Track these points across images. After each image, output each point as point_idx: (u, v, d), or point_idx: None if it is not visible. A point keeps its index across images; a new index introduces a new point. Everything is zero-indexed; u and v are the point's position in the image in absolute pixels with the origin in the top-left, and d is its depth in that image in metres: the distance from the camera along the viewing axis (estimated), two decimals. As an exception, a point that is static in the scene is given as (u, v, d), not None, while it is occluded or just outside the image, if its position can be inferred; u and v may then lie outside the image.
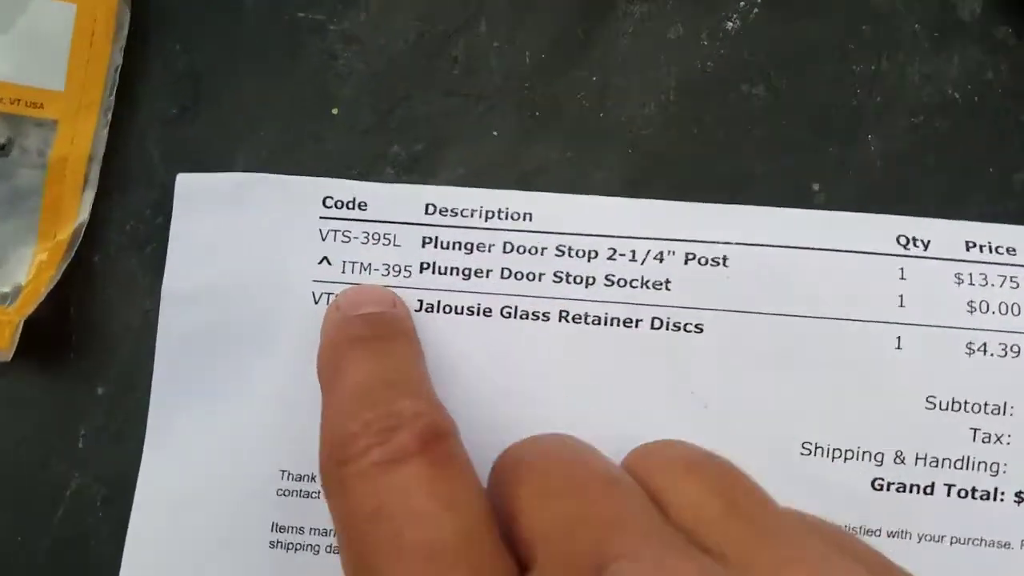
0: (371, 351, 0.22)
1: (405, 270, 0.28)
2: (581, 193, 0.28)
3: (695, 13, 0.29)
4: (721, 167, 0.28)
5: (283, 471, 0.27)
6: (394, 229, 0.28)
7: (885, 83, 0.28)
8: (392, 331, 0.23)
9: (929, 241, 0.27)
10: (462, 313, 0.27)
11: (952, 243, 0.27)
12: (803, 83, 0.29)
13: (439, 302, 0.28)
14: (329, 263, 0.28)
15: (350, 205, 0.28)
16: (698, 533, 0.16)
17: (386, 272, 0.28)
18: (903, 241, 0.27)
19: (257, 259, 0.28)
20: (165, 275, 0.28)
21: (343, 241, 0.28)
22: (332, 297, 0.27)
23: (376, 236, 0.28)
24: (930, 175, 0.28)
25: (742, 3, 0.29)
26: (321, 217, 0.28)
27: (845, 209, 0.28)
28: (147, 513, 0.27)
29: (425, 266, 0.28)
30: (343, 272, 0.28)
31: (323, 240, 0.28)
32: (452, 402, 0.26)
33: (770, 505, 0.17)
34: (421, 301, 0.28)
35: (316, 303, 0.27)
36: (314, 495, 0.26)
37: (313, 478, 0.27)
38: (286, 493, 0.27)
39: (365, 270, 0.28)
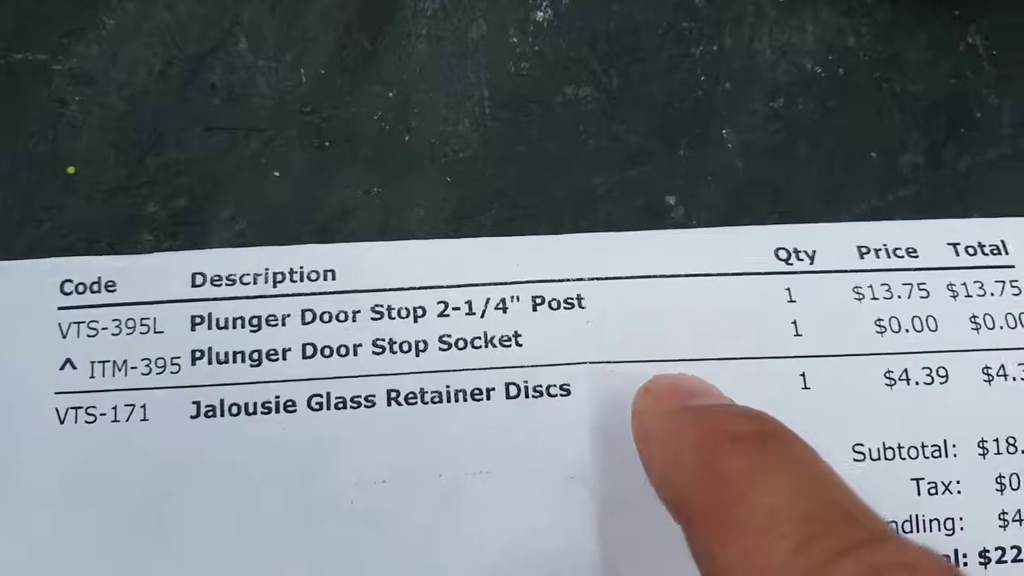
0: (777, 457, 0.16)
1: (172, 364, 0.22)
2: (396, 238, 0.23)
3: (498, 4, 0.24)
4: (558, 188, 0.23)
5: None
6: (153, 311, 0.22)
7: (732, 65, 0.24)
8: (783, 431, 0.17)
9: (815, 251, 0.22)
10: (255, 412, 0.21)
11: (842, 251, 0.23)
12: (636, 77, 0.24)
13: (222, 401, 0.21)
14: (74, 366, 0.22)
15: (95, 287, 0.22)
16: None
17: (147, 370, 0.22)
18: (783, 255, 0.22)
19: (-18, 372, 0.21)
20: None
21: (89, 335, 0.22)
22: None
23: (131, 323, 0.22)
24: (803, 169, 0.24)
25: (553, -14, 0.24)
26: (60, 308, 0.22)
27: (710, 224, 0.23)
28: None
29: (198, 355, 0.22)
30: (92, 377, 0.22)
31: (64, 337, 0.22)
32: (258, 537, 0.21)
33: None
34: (198, 403, 0.21)
35: (62, 422, 0.21)
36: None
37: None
38: None
39: (120, 370, 0.22)
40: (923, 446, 0.22)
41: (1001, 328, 0.22)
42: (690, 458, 0.16)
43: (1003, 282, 0.22)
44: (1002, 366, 0.22)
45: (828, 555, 0.13)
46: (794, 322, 0.22)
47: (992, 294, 0.22)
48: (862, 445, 0.22)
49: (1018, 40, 0.24)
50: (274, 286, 0.22)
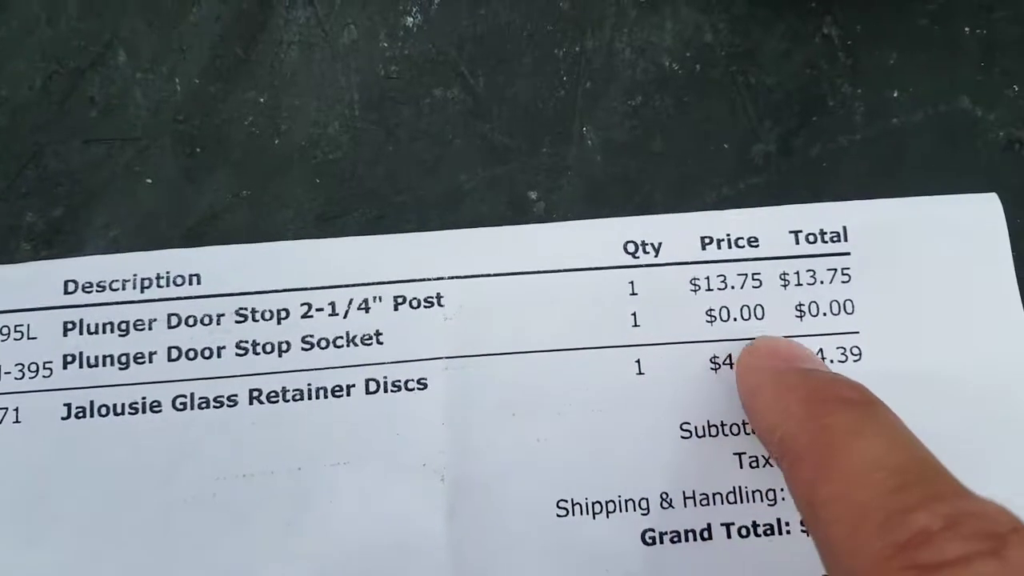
0: (876, 420, 0.18)
1: (44, 368, 0.22)
2: (265, 240, 0.24)
3: (369, 11, 0.25)
4: (425, 187, 0.24)
5: None
6: (27, 318, 0.23)
7: (593, 64, 0.25)
8: (879, 400, 0.19)
9: (660, 244, 0.23)
10: (123, 413, 0.22)
11: (685, 242, 0.23)
12: (502, 78, 0.25)
13: (92, 403, 0.22)
14: None
15: None
16: None
17: (20, 374, 0.22)
18: (631, 248, 0.23)
19: None
20: None
21: None
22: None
23: (5, 330, 0.23)
24: (658, 163, 0.24)
25: (420, -8, 0.25)
26: None
27: (569, 217, 0.24)
28: None
29: (69, 359, 0.22)
30: None
31: None
32: (127, 532, 0.22)
33: None
34: (68, 405, 0.22)
35: None
36: None
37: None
38: None
39: None
40: (744, 424, 0.22)
41: (825, 315, 0.23)
42: (799, 411, 0.18)
43: (835, 270, 0.23)
44: (821, 350, 0.23)
45: (918, 499, 0.15)
46: (633, 314, 0.23)
47: (822, 282, 0.23)
48: (689, 424, 0.22)
49: (872, 29, 0.25)
50: (142, 291, 0.23)
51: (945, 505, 0.15)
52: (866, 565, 0.15)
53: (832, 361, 0.22)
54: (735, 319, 0.22)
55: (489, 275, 0.22)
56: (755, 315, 0.22)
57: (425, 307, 0.22)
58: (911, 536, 0.15)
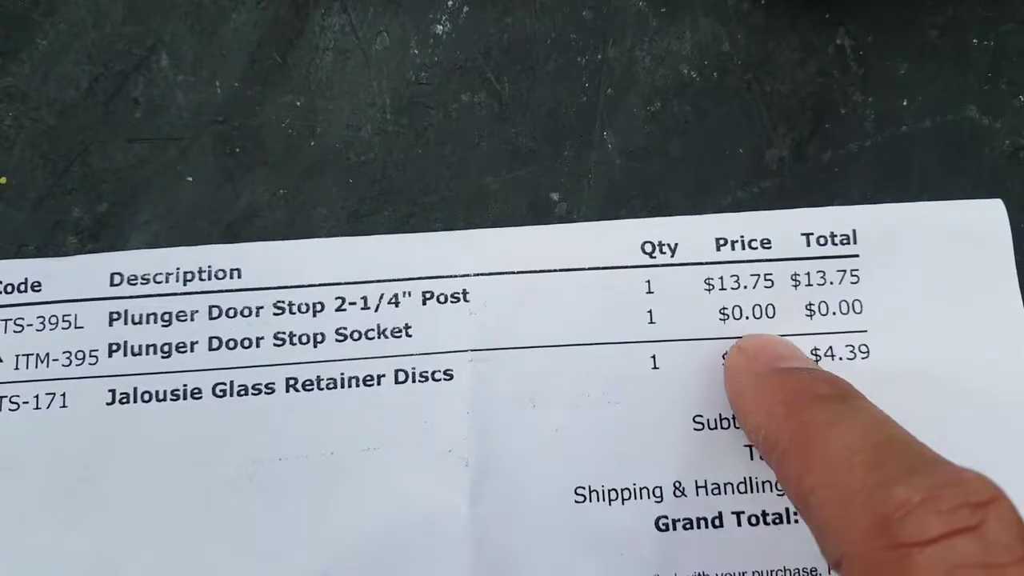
0: (851, 409, 0.19)
1: (91, 355, 0.24)
2: (301, 237, 0.25)
3: (401, 20, 0.26)
4: (452, 187, 0.25)
5: None
6: (74, 309, 0.24)
7: (614, 72, 0.26)
8: (856, 392, 0.20)
9: (676, 245, 0.24)
10: (164, 399, 0.23)
11: (701, 243, 0.24)
12: (527, 84, 0.26)
13: (135, 389, 0.23)
14: (0, 360, 0.24)
15: (22, 288, 0.24)
16: None
17: (67, 361, 0.24)
18: (648, 248, 0.24)
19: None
20: None
21: (15, 331, 0.24)
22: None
23: (54, 320, 0.24)
24: (676, 167, 0.25)
25: (450, 2, 0.26)
26: None
27: (589, 218, 0.25)
28: None
29: (114, 348, 0.24)
30: (16, 368, 0.24)
31: None
32: (167, 511, 0.23)
33: None
34: (113, 391, 0.23)
35: None
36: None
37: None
38: None
39: (42, 362, 0.24)
40: None
41: (834, 314, 0.24)
42: (779, 411, 0.19)
43: (844, 271, 0.24)
44: (830, 347, 0.24)
45: (897, 472, 0.16)
46: (650, 311, 0.24)
47: (832, 283, 0.24)
48: (701, 416, 0.23)
49: (883, 40, 0.26)
50: (184, 284, 0.24)
51: (923, 476, 0.16)
52: (855, 543, 0.16)
53: (841, 358, 0.23)
54: (747, 317, 0.24)
55: (512, 272, 0.24)
56: (766, 314, 0.23)
57: (452, 302, 0.24)
58: (893, 509, 0.15)
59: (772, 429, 0.20)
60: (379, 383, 0.23)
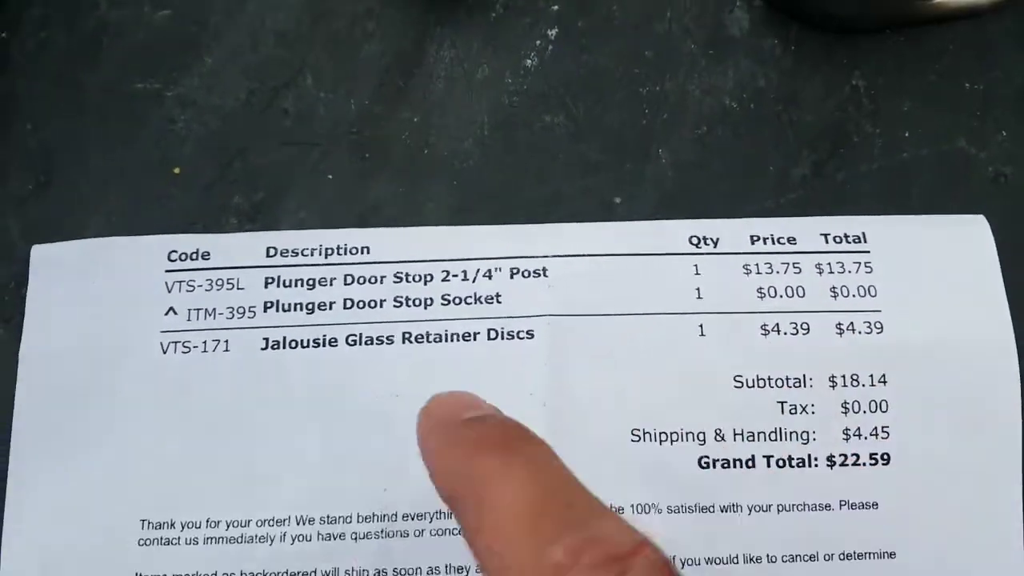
0: (519, 459, 0.18)
1: (249, 311, 0.29)
2: (414, 225, 0.30)
3: (498, 54, 0.32)
4: (534, 191, 0.31)
5: (143, 520, 0.27)
6: (237, 274, 0.29)
7: (669, 101, 0.31)
8: (525, 434, 0.19)
9: (718, 239, 0.29)
10: (308, 346, 0.29)
11: (738, 239, 0.29)
12: (598, 109, 0.31)
13: (284, 338, 0.29)
14: (175, 312, 0.29)
15: (194, 256, 0.29)
16: None
17: (230, 315, 0.29)
18: (695, 241, 0.29)
19: (108, 317, 0.29)
20: (22, 342, 0.28)
21: (188, 291, 0.29)
22: (176, 346, 0.28)
23: (219, 282, 0.29)
24: (716, 180, 0.30)
25: (538, 41, 0.32)
26: (167, 271, 0.29)
27: (643, 218, 0.30)
28: (12, 570, 0.27)
29: (268, 305, 0.29)
30: (188, 320, 0.29)
31: (169, 292, 0.29)
32: (308, 436, 0.28)
33: None
34: (267, 339, 0.29)
35: (164, 352, 0.28)
36: (174, 542, 0.27)
37: (173, 524, 0.27)
38: (147, 542, 0.27)
39: (210, 315, 0.29)
40: (786, 378, 0.28)
41: (854, 296, 0.29)
42: (457, 466, 0.18)
43: (859, 263, 0.29)
44: (851, 323, 0.28)
45: (552, 531, 0.16)
46: (697, 288, 0.29)
47: (850, 271, 0.29)
48: (741, 376, 0.28)
49: (891, 82, 0.31)
50: (325, 258, 0.30)
51: (572, 534, 0.15)
52: None
53: (860, 332, 0.28)
54: (781, 296, 0.28)
55: (583, 255, 0.29)
56: (797, 293, 0.28)
57: (534, 277, 0.29)
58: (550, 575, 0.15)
59: (452, 485, 0.18)
60: (475, 339, 0.29)
